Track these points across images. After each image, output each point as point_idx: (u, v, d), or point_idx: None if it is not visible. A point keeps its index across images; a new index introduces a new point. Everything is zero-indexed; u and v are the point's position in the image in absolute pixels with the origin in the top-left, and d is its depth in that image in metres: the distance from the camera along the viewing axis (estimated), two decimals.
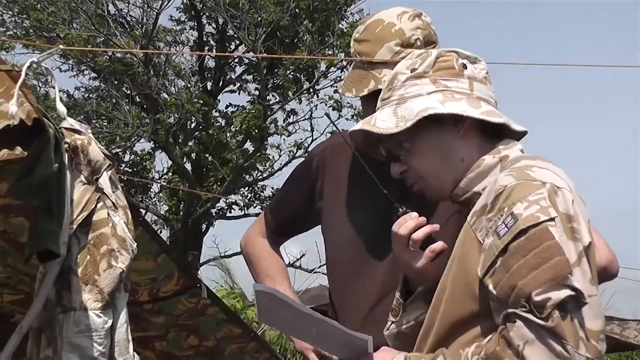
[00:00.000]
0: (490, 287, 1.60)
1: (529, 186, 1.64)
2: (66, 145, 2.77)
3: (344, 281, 2.38)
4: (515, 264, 1.57)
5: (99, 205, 2.87)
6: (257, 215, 17.83)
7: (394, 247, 1.91)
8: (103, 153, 2.94)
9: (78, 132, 2.90)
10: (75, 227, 2.80)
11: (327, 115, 2.21)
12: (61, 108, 2.87)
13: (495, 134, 1.83)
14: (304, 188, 2.48)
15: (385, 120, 1.84)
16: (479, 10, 33.67)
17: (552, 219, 1.59)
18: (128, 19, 16.98)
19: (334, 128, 2.32)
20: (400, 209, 1.90)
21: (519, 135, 1.87)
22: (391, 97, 1.88)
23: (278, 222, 2.56)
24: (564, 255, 1.56)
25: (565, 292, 1.54)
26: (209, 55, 17.47)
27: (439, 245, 1.86)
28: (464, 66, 1.85)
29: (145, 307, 5.16)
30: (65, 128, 2.86)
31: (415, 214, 1.88)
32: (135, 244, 2.97)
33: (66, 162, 2.73)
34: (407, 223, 1.86)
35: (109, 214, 2.89)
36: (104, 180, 2.91)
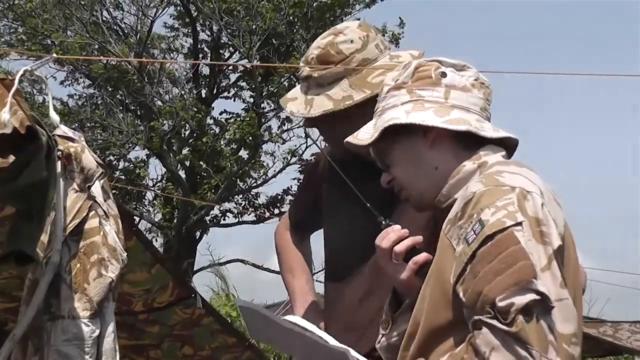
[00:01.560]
0: (461, 294, 1.60)
1: (497, 192, 1.64)
2: (59, 153, 2.77)
3: (330, 289, 2.43)
4: (481, 270, 1.57)
5: (90, 213, 2.87)
6: (252, 222, 17.75)
7: (378, 260, 1.92)
8: (96, 161, 2.94)
9: (71, 139, 2.90)
10: (66, 234, 2.79)
11: (308, 135, 2.27)
12: (54, 116, 2.86)
13: (476, 142, 1.83)
14: (311, 187, 2.58)
15: (366, 132, 1.88)
16: (474, 14, 33.71)
17: (519, 224, 1.59)
18: (122, 26, 17.00)
19: (319, 142, 2.40)
20: (383, 222, 1.91)
21: (510, 143, 1.87)
22: (377, 109, 1.92)
23: (296, 218, 2.67)
24: (528, 259, 1.56)
25: (530, 297, 1.53)
26: (203, 63, 17.46)
27: (422, 257, 1.86)
28: (443, 75, 1.86)
29: (140, 317, 5.17)
30: (59, 135, 2.86)
31: (397, 226, 1.89)
32: (126, 253, 2.97)
33: (58, 170, 2.73)
34: (389, 236, 1.88)
35: (100, 223, 2.89)
36: (96, 189, 2.90)
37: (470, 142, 1.82)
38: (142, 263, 4.57)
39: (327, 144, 2.41)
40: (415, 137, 1.83)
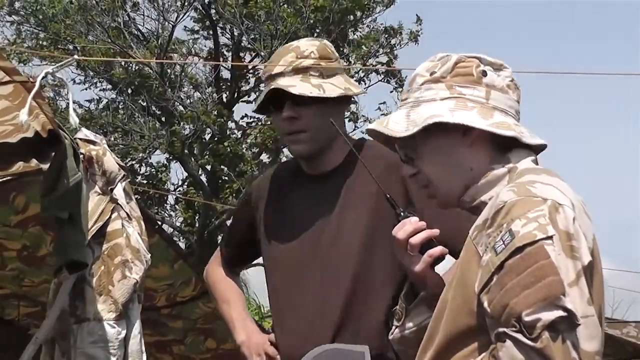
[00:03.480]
0: (485, 304, 1.58)
1: (529, 203, 1.61)
2: (81, 156, 2.76)
3: (279, 304, 2.47)
4: (509, 282, 1.55)
5: (113, 215, 2.88)
6: None
7: (394, 252, 1.93)
8: (118, 164, 2.93)
9: (93, 142, 2.90)
10: (89, 237, 2.79)
11: (332, 122, 2.31)
12: (74, 118, 2.86)
13: (509, 145, 1.80)
14: (245, 222, 2.63)
15: (398, 122, 1.83)
16: (469, 14, 33.52)
17: (550, 238, 1.56)
18: (144, 31, 17.09)
19: (256, 105, 2.53)
20: (401, 214, 1.92)
21: (538, 148, 1.84)
22: (408, 99, 1.86)
23: (229, 254, 2.71)
24: (557, 275, 1.53)
25: (557, 313, 1.50)
26: (223, 65, 17.50)
27: (437, 250, 1.87)
28: (484, 73, 1.82)
29: (163, 312, 5.22)
30: (80, 139, 2.86)
31: (415, 218, 1.90)
32: (150, 254, 2.97)
33: (82, 172, 2.73)
34: (406, 227, 1.88)
35: (123, 225, 2.89)
36: (118, 191, 2.91)
37: (504, 145, 1.80)
38: (165, 259, 4.60)
39: (305, 133, 2.43)
40: (454, 136, 1.79)
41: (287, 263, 2.43)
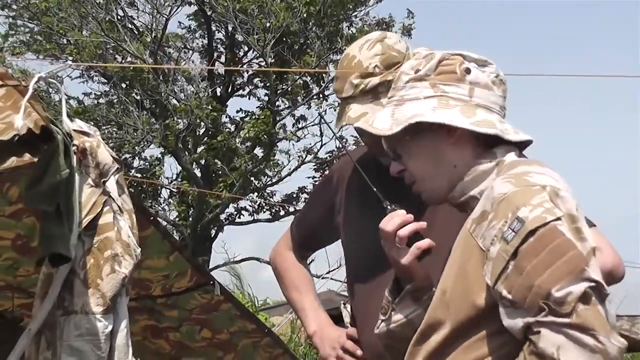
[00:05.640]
0: (504, 292, 1.57)
1: (529, 191, 1.63)
2: (75, 148, 2.78)
3: (363, 292, 2.41)
4: (528, 265, 1.55)
5: (105, 208, 2.87)
6: (266, 221, 17.71)
7: (382, 244, 1.93)
8: (112, 156, 2.94)
9: (87, 134, 2.90)
10: (81, 229, 2.81)
11: (321, 115, 2.27)
12: (67, 122, 2.87)
13: (494, 141, 1.82)
14: (324, 203, 2.55)
15: (383, 121, 1.85)
16: (474, 15, 33.51)
17: (559, 218, 1.58)
18: (138, 24, 17.05)
19: (337, 130, 2.41)
20: (388, 207, 1.93)
21: (524, 144, 1.86)
22: (393, 97, 1.88)
23: (302, 236, 2.64)
24: (576, 249, 1.55)
25: (585, 284, 1.51)
26: (219, 64, 17.48)
27: (425, 242, 1.88)
28: (467, 71, 1.83)
29: (158, 301, 5.23)
30: (75, 130, 2.86)
31: (402, 211, 1.90)
32: (139, 249, 2.97)
33: (75, 165, 2.74)
34: (394, 220, 1.89)
35: (114, 218, 2.89)
36: (111, 184, 2.91)
37: (488, 141, 1.81)
38: (160, 251, 4.60)
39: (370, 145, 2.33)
40: (437, 134, 1.81)
41: (373, 259, 2.33)
